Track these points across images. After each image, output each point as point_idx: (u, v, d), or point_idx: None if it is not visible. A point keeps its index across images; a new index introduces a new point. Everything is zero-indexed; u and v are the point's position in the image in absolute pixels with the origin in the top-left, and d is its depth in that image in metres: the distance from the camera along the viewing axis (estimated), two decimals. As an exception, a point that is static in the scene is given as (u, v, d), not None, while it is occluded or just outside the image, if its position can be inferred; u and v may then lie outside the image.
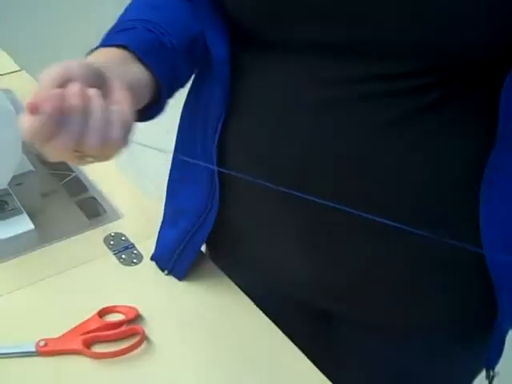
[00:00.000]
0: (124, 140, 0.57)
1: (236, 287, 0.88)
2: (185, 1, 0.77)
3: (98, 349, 0.79)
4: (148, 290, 0.87)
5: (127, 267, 0.90)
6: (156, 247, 0.91)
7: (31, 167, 1.06)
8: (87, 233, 0.95)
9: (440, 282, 0.75)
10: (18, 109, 1.01)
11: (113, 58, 0.65)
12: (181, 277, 0.89)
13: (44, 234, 0.95)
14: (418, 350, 0.83)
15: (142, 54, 0.67)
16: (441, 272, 0.74)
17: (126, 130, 0.57)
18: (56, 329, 0.80)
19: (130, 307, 0.83)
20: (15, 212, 0.96)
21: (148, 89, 0.67)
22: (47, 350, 0.78)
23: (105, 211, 0.99)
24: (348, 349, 0.91)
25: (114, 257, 0.91)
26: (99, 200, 1.01)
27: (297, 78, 0.69)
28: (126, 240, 0.94)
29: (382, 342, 0.85)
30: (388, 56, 0.63)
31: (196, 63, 0.77)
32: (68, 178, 1.06)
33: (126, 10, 0.77)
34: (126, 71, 0.64)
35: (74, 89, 0.55)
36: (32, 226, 0.95)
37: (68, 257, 0.91)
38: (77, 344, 0.79)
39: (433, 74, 0.63)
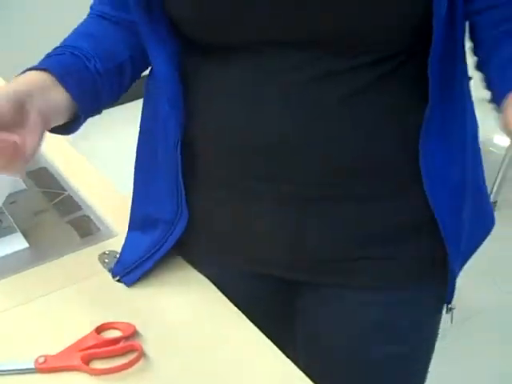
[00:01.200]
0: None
1: (224, 297, 0.89)
2: (120, 28, 0.85)
3: (96, 365, 0.80)
4: (144, 306, 0.88)
5: (123, 284, 0.91)
6: (123, 251, 0.92)
7: (24, 186, 1.07)
8: (82, 251, 0.96)
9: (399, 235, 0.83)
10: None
11: (36, 82, 0.75)
12: (130, 284, 0.90)
13: (38, 253, 0.95)
14: (390, 302, 0.88)
15: (60, 77, 0.76)
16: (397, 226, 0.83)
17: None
18: (54, 346, 0.80)
19: (127, 324, 0.84)
20: (9, 230, 0.97)
21: (67, 110, 0.78)
22: (46, 366, 0.78)
23: (98, 229, 1.00)
24: (323, 314, 0.93)
25: (109, 274, 0.92)
26: (92, 218, 1.02)
27: (249, 72, 0.75)
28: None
29: (356, 299, 0.88)
30: (324, 43, 0.71)
31: (123, 86, 0.86)
32: (60, 197, 1.06)
33: (65, 38, 0.86)
34: (45, 94, 0.75)
35: None
36: (26, 245, 0.95)
37: (63, 275, 0.92)
38: (75, 360, 0.79)
39: (368, 55, 0.72)
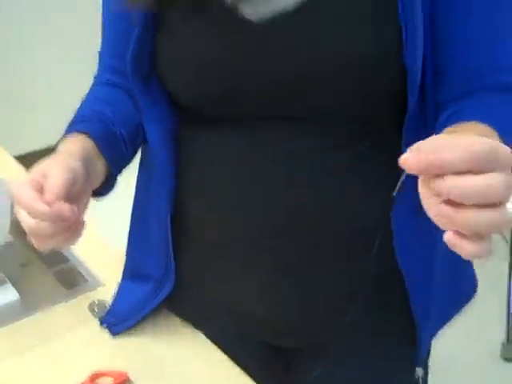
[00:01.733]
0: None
1: (215, 348, 0.92)
2: (128, 95, 0.88)
3: (92, 412, 0.82)
4: (136, 354, 0.91)
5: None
6: (115, 301, 0.95)
7: (10, 237, 1.09)
8: (71, 301, 0.99)
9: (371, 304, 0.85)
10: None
11: (87, 153, 0.80)
12: (120, 333, 0.93)
13: (29, 304, 0.98)
14: (362, 364, 0.91)
15: (102, 146, 0.82)
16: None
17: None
18: (50, 395, 0.82)
19: (119, 372, 0.87)
20: (0, 282, 0.99)
21: (102, 175, 0.82)
22: (44, 415, 0.81)
23: (86, 280, 1.03)
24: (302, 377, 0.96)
25: (99, 323, 0.95)
26: (79, 269, 1.05)
27: (242, 145, 0.80)
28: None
29: (331, 364, 0.90)
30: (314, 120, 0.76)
31: (137, 149, 0.91)
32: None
33: (82, 103, 0.90)
34: (93, 166, 0.80)
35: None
36: (17, 296, 0.98)
37: (54, 325, 0.94)
38: (72, 409, 0.82)
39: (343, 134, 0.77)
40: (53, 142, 2.67)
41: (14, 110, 2.80)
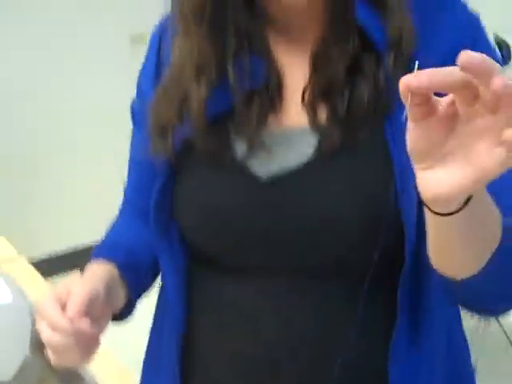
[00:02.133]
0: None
1: None
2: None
3: None
4: None
5: None
6: None
7: (29, 352, 1.12)
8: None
9: None
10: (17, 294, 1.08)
11: (110, 278, 0.84)
12: None
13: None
14: None
15: (127, 276, 0.87)
16: None
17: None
18: None
19: None
20: (15, 399, 1.01)
21: (122, 300, 0.87)
22: None
23: (82, 379, 1.05)
24: None
25: None
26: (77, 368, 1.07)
27: (244, 293, 0.84)
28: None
29: None
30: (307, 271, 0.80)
31: (157, 275, 0.95)
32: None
33: (108, 231, 0.97)
34: (115, 290, 0.84)
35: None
36: (33, 414, 0.99)
37: None
38: None
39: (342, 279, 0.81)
40: (69, 249, 2.74)
41: (31, 215, 2.87)
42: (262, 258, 0.81)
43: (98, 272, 0.84)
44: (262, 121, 0.81)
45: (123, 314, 0.90)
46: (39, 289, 1.34)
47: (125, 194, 1.00)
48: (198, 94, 0.81)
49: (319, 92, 0.79)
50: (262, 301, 0.82)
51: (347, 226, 0.76)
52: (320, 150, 0.78)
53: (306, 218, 0.78)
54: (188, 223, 0.84)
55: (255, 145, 0.80)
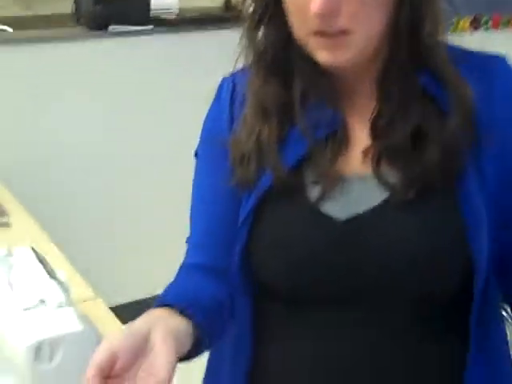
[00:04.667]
0: None
1: None
2: (212, 275, 0.95)
3: None
4: None
5: None
6: None
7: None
8: None
9: None
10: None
11: (158, 316, 0.82)
12: None
13: None
14: None
15: (181, 309, 0.84)
16: None
17: None
18: None
19: None
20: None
21: (189, 337, 0.83)
22: None
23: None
24: None
25: None
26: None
27: (317, 329, 0.89)
28: None
29: None
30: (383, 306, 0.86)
31: (223, 324, 0.93)
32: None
33: (168, 286, 0.94)
34: (166, 321, 0.80)
35: None
36: None
37: None
38: None
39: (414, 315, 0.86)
40: (148, 295, 2.75)
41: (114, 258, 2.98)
42: (338, 294, 0.87)
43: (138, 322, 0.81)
44: (335, 166, 0.87)
45: (192, 352, 0.85)
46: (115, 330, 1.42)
47: (188, 245, 1.00)
48: (270, 134, 0.88)
49: (382, 153, 0.86)
50: (333, 329, 0.88)
51: (421, 261, 0.83)
52: (392, 197, 0.85)
53: (385, 255, 0.84)
54: (269, 269, 0.89)
55: (330, 188, 0.87)
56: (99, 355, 0.74)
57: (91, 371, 0.72)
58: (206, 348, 0.89)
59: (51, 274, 1.24)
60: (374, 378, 0.87)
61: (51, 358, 1.01)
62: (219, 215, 0.95)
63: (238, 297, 0.94)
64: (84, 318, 1.35)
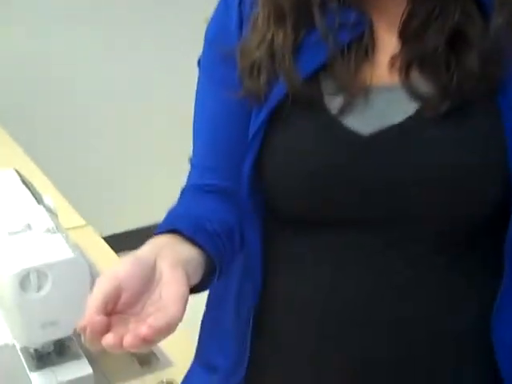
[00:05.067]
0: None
1: None
2: (222, 200, 0.87)
3: None
4: None
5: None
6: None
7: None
8: (140, 379, 1.01)
9: None
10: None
11: (164, 243, 0.74)
12: None
13: (100, 379, 1.01)
14: None
15: (189, 234, 0.76)
16: None
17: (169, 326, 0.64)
18: None
19: None
20: (76, 356, 1.03)
21: (199, 267, 0.76)
22: None
23: (158, 359, 1.06)
24: None
25: (166, 403, 0.96)
26: (153, 349, 1.08)
27: (337, 252, 0.81)
28: (178, 387, 1.00)
29: None
30: (411, 225, 0.78)
31: (234, 252, 0.85)
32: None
33: (170, 210, 0.86)
34: (176, 252, 0.72)
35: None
36: (90, 371, 1.01)
37: (123, 401, 0.97)
38: None
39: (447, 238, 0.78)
40: (141, 225, 2.77)
41: (106, 190, 2.91)
42: (361, 212, 0.78)
43: (142, 250, 0.73)
44: (359, 74, 0.78)
45: (202, 284, 0.78)
46: (109, 261, 1.36)
47: (192, 166, 0.92)
48: (285, 40, 0.78)
49: (413, 60, 0.76)
50: (349, 259, 0.80)
51: (451, 180, 0.74)
52: (423, 109, 0.76)
53: (414, 174, 0.75)
54: (285, 186, 0.80)
55: (353, 99, 0.77)
56: (102, 287, 0.65)
57: (93, 307, 0.64)
58: (216, 279, 0.80)
59: (38, 198, 1.16)
60: (394, 309, 0.80)
61: (39, 288, 0.93)
62: (226, 131, 0.86)
63: (247, 222, 0.85)
64: (74, 245, 1.28)
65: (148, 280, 0.68)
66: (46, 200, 1.15)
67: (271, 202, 0.83)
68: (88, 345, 0.65)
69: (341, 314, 0.80)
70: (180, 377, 1.01)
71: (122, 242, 2.61)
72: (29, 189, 1.18)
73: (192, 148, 0.92)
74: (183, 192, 0.91)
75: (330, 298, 0.81)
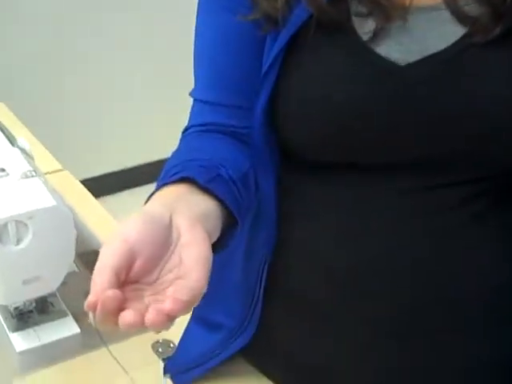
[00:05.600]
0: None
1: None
2: (232, 140, 0.76)
3: None
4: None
5: (177, 376, 0.86)
6: (179, 348, 0.86)
7: (75, 268, 1.05)
8: (134, 338, 0.92)
9: None
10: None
11: (176, 196, 0.63)
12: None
13: (89, 339, 0.92)
14: None
15: (204, 182, 0.65)
16: None
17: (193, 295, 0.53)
18: None
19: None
20: (61, 314, 0.94)
21: (219, 221, 0.64)
22: None
23: (151, 316, 0.97)
24: None
25: (162, 364, 0.88)
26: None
27: (357, 197, 0.72)
28: (175, 347, 0.91)
29: None
30: (444, 169, 0.69)
31: (250, 201, 0.75)
32: (111, 280, 1.04)
33: (172, 156, 0.75)
34: (193, 206, 0.61)
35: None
36: (78, 330, 0.92)
37: (115, 363, 0.88)
38: None
39: (484, 183, 0.70)
40: (118, 168, 2.67)
41: (82, 134, 2.80)
42: (392, 154, 0.69)
43: (151, 205, 0.62)
44: None
45: (222, 240, 0.66)
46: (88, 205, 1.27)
47: (194, 102, 0.79)
48: None
49: None
50: (371, 205, 0.71)
51: (503, 113, 0.65)
52: (471, 34, 0.65)
53: (461, 110, 0.65)
54: (308, 122, 0.69)
55: (387, 22, 0.66)
56: (111, 253, 0.54)
57: (103, 279, 0.52)
58: (237, 232, 0.69)
59: (11, 140, 1.04)
60: (421, 260, 0.71)
61: (18, 240, 0.83)
62: (237, 61, 0.74)
63: (259, 167, 0.75)
64: (54, 190, 1.18)
65: (164, 241, 0.56)
66: (21, 142, 1.03)
67: (290, 144, 0.72)
68: (98, 325, 0.54)
69: (367, 269, 0.71)
70: (177, 337, 0.93)
71: (101, 186, 2.53)
72: (1, 130, 1.07)
73: (194, 80, 0.80)
74: (185, 133, 0.79)
75: (356, 250, 0.72)
